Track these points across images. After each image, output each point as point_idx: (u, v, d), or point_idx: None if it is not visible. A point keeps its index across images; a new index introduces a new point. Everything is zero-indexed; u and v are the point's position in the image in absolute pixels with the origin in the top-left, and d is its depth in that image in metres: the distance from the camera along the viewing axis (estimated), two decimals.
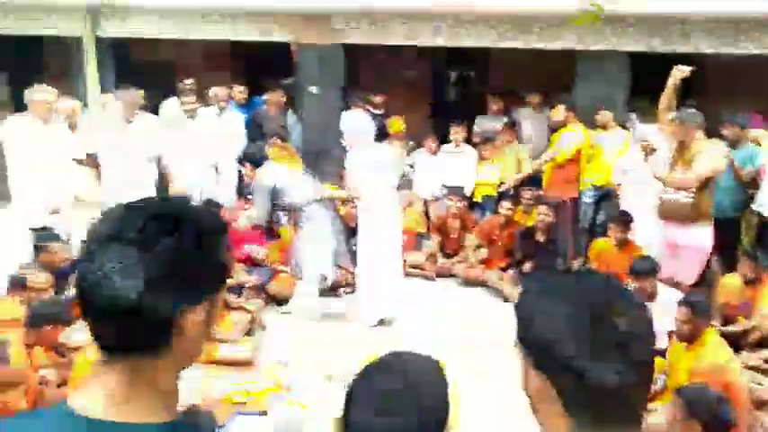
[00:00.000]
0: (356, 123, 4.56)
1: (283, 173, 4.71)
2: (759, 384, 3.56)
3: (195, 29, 6.75)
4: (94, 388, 0.84)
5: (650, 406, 3.52)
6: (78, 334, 3.63)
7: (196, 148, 5.68)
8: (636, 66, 6.27)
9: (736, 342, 4.15)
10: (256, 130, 6.39)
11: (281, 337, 4.59)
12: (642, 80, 5.74)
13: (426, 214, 6.40)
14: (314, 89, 6.63)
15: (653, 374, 0.87)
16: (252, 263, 5.17)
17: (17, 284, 3.49)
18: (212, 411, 3.31)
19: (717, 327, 4.06)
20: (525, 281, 0.95)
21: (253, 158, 4.87)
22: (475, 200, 6.44)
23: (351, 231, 5.29)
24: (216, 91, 6.01)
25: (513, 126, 6.53)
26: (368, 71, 7.63)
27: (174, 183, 5.56)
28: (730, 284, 4.49)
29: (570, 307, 0.84)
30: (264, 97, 6.58)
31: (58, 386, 3.07)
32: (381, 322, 4.74)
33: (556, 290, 0.88)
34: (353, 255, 5.19)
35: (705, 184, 4.27)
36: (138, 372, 0.83)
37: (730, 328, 4.28)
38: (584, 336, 0.81)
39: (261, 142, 6.32)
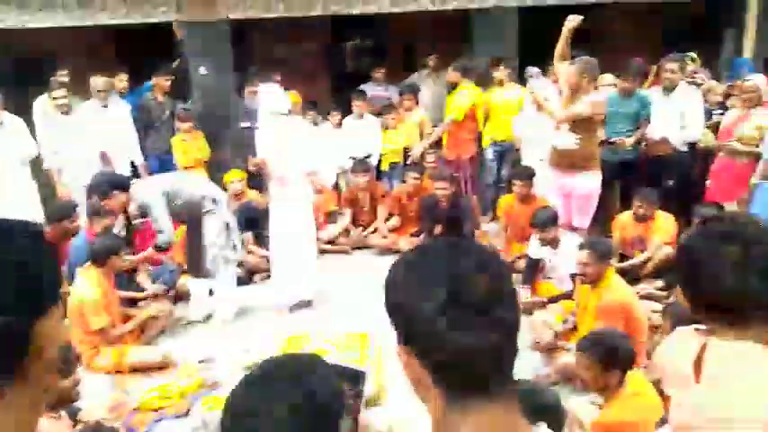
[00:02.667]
0: (274, 97, 4.38)
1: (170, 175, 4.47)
2: (654, 312, 3.81)
3: (70, 16, 6.18)
4: None
5: (562, 344, 3.71)
6: None
7: (79, 146, 5.25)
8: (528, 24, 6.43)
9: (634, 274, 4.45)
10: (144, 120, 6.03)
11: (199, 334, 4.41)
12: (535, 38, 5.85)
13: (335, 187, 6.32)
14: (202, 69, 6.29)
15: (516, 334, 0.86)
16: (154, 262, 4.88)
17: None
18: (116, 429, 3.11)
19: (615, 264, 4.31)
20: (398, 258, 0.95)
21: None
22: (382, 169, 6.44)
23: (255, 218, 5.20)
24: (94, 81, 5.55)
25: (413, 92, 6.53)
26: (261, 47, 7.35)
27: (59, 187, 5.17)
28: (623, 221, 4.78)
29: (428, 277, 0.83)
30: (151, 83, 6.19)
31: None
32: (300, 305, 4.66)
33: (415, 262, 0.87)
34: (263, 239, 5.07)
35: (586, 130, 4.43)
36: None
37: (628, 263, 4.57)
38: (443, 304, 0.80)
39: (154, 133, 6.02)
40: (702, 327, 1.10)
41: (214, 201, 4.40)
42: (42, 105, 5.70)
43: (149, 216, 4.17)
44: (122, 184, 4.23)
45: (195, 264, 4.48)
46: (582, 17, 4.31)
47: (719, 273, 1.04)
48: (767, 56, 6.44)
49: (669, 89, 5.10)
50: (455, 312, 0.79)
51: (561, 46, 4.49)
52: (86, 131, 5.28)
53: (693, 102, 5.07)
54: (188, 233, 4.51)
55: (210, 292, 4.52)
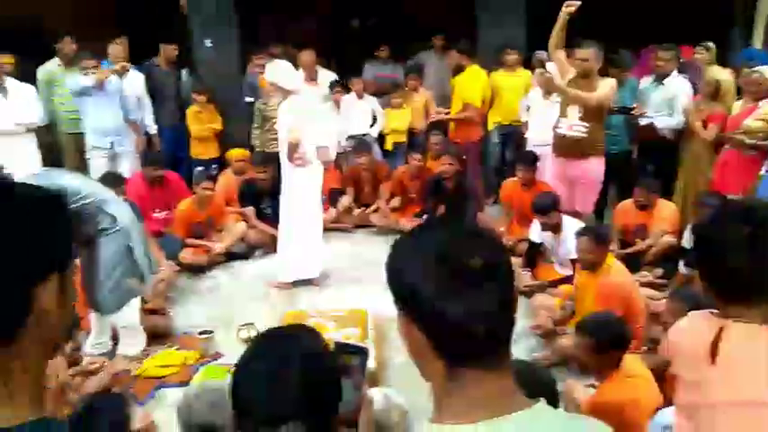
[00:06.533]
0: (285, 72, 4.35)
1: None
2: (653, 299, 3.84)
3: None
4: None
5: (561, 328, 3.74)
6: None
7: (99, 114, 5.24)
8: (537, 6, 6.35)
9: (634, 262, 4.47)
10: (152, 89, 6.03)
11: (199, 306, 4.44)
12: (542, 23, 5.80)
13: (337, 166, 6.31)
14: (208, 43, 6.25)
15: (512, 309, 0.88)
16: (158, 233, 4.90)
17: None
18: (126, 391, 3.16)
19: (616, 251, 4.34)
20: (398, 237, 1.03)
21: None
22: (386, 148, 6.42)
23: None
24: (114, 49, 5.54)
25: (418, 71, 6.49)
26: (266, 23, 7.28)
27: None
28: (624, 210, 4.79)
29: (428, 253, 0.86)
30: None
31: None
32: (302, 282, 4.67)
33: (417, 240, 0.90)
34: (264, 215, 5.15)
35: (598, 118, 4.39)
36: None
37: (628, 250, 4.59)
38: (440, 277, 0.83)
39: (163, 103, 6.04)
40: (716, 311, 1.12)
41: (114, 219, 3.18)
42: (47, 74, 5.67)
43: None
44: None
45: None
46: (579, 3, 4.22)
47: (730, 252, 1.06)
48: None
49: (661, 78, 5.07)
50: (443, 280, 0.82)
51: (557, 33, 4.40)
52: (109, 100, 5.25)
53: (683, 90, 5.05)
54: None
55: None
